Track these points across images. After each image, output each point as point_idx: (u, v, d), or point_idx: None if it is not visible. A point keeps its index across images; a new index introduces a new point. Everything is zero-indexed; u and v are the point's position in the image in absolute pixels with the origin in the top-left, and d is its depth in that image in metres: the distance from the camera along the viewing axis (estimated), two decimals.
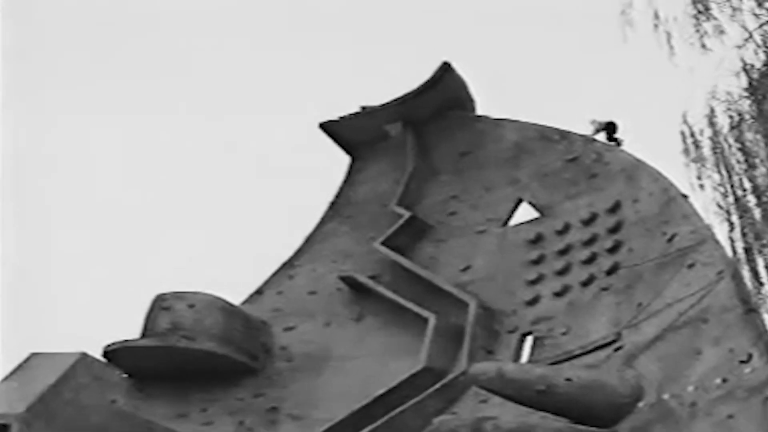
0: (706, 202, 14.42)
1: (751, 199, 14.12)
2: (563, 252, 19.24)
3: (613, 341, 16.38)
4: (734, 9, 14.74)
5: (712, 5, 14.90)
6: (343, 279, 20.55)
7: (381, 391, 17.65)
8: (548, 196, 20.36)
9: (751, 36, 14.63)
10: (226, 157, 40.73)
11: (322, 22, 40.93)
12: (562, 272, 18.89)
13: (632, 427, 13.99)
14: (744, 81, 14.52)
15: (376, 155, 23.10)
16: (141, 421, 18.22)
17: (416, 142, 22.69)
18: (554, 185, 20.41)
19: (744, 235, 13.95)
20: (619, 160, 19.82)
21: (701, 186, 14.64)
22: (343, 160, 23.52)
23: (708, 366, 13.69)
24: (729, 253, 14.33)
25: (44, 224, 38.12)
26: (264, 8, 42.65)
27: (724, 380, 13.35)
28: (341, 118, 23.49)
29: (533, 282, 19.06)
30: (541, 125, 21.69)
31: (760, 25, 14.59)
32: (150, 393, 19.08)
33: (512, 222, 20.59)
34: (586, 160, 20.38)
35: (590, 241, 18.97)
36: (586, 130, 21.34)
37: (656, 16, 15.28)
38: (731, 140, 14.53)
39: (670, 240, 16.82)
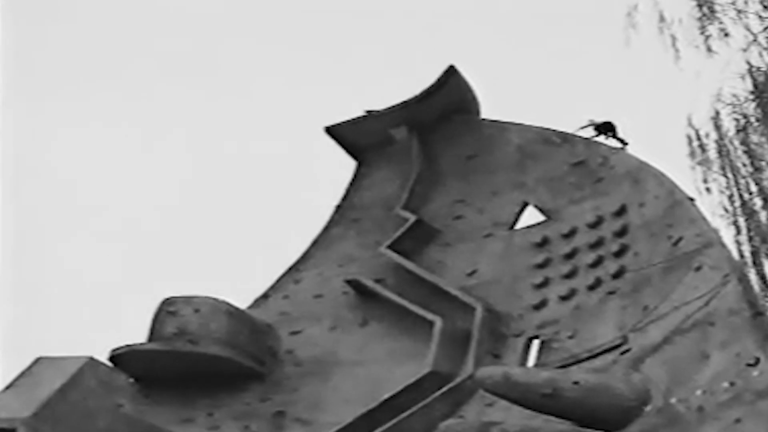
0: (713, 206, 14.47)
1: (758, 202, 14.14)
2: (569, 256, 19.22)
3: (620, 345, 16.35)
4: (739, 12, 14.77)
5: (717, 8, 14.92)
6: (349, 282, 20.55)
7: (387, 395, 17.65)
8: (554, 199, 20.34)
9: (756, 39, 14.64)
10: (228, 160, 40.72)
11: (325, 25, 40.97)
12: (569, 276, 18.87)
13: (640, 431, 13.98)
14: (749, 84, 14.55)
15: (381, 159, 23.06)
16: (147, 426, 18.22)
17: (422, 146, 22.66)
18: (560, 189, 20.38)
19: (750, 238, 13.97)
20: (624, 163, 19.79)
21: (707, 189, 14.68)
22: (348, 164, 23.52)
23: (715, 370, 13.67)
24: (736, 256, 14.36)
25: (48, 228, 38.21)
26: (264, 11, 42.68)
27: (732, 384, 13.32)
28: (346, 121, 23.48)
29: (540, 286, 19.04)
30: (546, 129, 21.64)
31: (765, 28, 14.61)
32: (156, 397, 19.05)
33: (518, 226, 20.59)
34: (591, 163, 20.37)
35: (596, 245, 18.95)
36: (588, 132, 21.35)
37: (661, 18, 15.31)
38: (737, 143, 14.56)
39: (676, 243, 16.80)
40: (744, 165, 14.40)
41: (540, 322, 18.38)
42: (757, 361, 13.37)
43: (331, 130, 23.51)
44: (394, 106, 23.19)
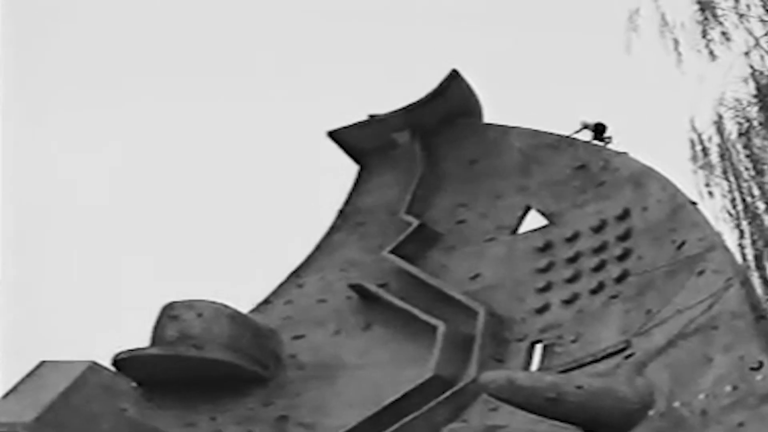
0: (715, 209, 14.45)
1: (761, 206, 14.14)
2: (572, 260, 19.23)
3: (623, 349, 16.34)
4: (741, 16, 14.77)
5: (719, 12, 14.92)
6: (352, 287, 20.55)
7: (391, 399, 17.65)
8: (557, 203, 20.35)
9: (758, 42, 14.65)
10: (230, 164, 40.76)
11: (328, 29, 41.00)
12: (572, 280, 18.88)
13: None
14: (752, 87, 14.54)
15: (384, 163, 23.09)
16: (150, 430, 18.23)
17: (424, 150, 22.68)
18: (563, 193, 20.40)
19: (753, 241, 13.96)
20: (626, 167, 19.80)
21: (710, 193, 14.66)
22: (351, 168, 23.54)
23: (718, 373, 13.66)
24: (739, 259, 14.34)
25: (51, 232, 38.23)
26: (267, 16, 42.71)
27: (735, 388, 13.32)
28: (349, 126, 23.50)
29: (542, 290, 19.05)
30: (548, 133, 21.68)
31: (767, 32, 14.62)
32: (159, 402, 19.04)
33: (521, 230, 20.59)
34: (593, 167, 20.39)
35: (599, 249, 18.95)
36: (588, 134, 21.37)
37: (663, 22, 15.31)
38: (739, 147, 14.55)
39: (679, 247, 16.81)
40: (747, 169, 14.39)
41: (543, 326, 18.38)
42: (761, 364, 13.37)
43: (333, 135, 23.54)
44: (396, 110, 23.23)
